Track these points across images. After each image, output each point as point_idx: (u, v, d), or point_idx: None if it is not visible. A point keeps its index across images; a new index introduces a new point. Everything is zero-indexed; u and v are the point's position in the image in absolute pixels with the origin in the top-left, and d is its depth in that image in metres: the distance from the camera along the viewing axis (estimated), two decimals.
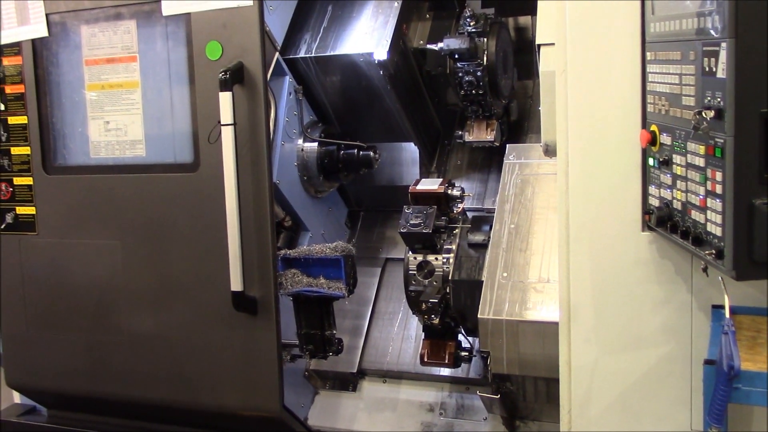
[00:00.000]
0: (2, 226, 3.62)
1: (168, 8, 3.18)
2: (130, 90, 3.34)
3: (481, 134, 3.94)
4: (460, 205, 3.48)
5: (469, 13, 3.75)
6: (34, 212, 3.56)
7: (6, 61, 3.54)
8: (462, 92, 3.79)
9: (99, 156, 3.45)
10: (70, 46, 3.45)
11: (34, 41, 3.48)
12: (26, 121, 3.53)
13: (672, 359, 2.30)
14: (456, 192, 3.43)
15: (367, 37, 3.71)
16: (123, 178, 3.38)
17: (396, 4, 3.76)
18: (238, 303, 3.08)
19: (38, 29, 3.45)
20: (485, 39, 3.71)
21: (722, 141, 1.74)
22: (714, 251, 1.81)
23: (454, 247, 3.37)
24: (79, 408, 3.68)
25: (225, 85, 2.95)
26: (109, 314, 3.44)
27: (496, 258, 3.06)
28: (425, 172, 4.17)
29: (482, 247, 3.29)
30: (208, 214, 3.14)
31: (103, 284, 3.44)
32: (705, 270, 2.12)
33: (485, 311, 2.92)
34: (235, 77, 2.99)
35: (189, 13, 3.14)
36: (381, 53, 3.63)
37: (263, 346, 3.16)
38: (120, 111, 3.38)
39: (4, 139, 3.58)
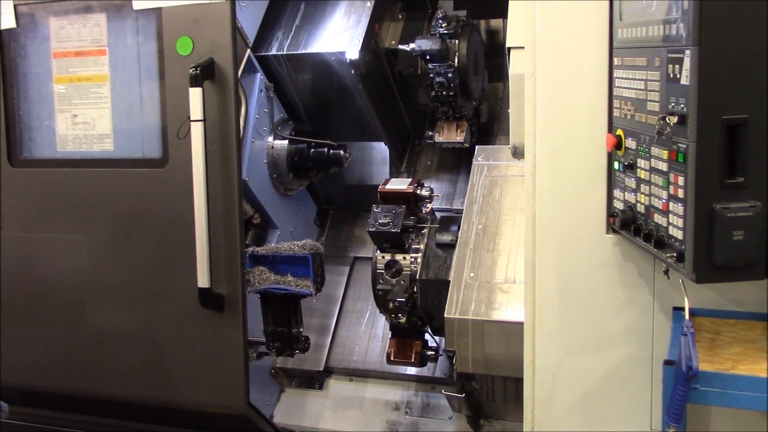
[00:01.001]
0: None
1: (139, 2, 3.16)
2: (98, 84, 3.31)
3: (451, 135, 3.97)
4: (428, 205, 3.50)
5: (441, 15, 3.77)
6: None
7: None
8: (433, 93, 3.81)
9: (66, 149, 3.42)
10: (38, 38, 3.41)
11: (1, 32, 3.43)
12: None
13: (634, 360, 2.34)
14: (425, 192, 3.45)
15: (340, 36, 3.72)
16: (90, 173, 3.35)
17: (368, 4, 3.78)
18: (205, 300, 3.07)
19: (6, 20, 3.40)
20: (457, 41, 3.73)
21: (685, 146, 1.77)
22: (675, 254, 1.84)
23: (422, 246, 3.39)
24: (43, 404, 3.64)
25: (195, 81, 2.94)
26: (75, 309, 3.41)
27: (464, 258, 3.08)
28: (395, 172, 4.18)
29: (450, 247, 3.31)
30: (176, 210, 3.13)
31: (69, 279, 3.41)
32: (666, 272, 2.16)
33: (452, 311, 2.95)
34: (205, 73, 2.98)
35: (160, 8, 3.12)
36: (353, 52, 3.64)
37: (229, 343, 3.15)
38: (88, 105, 3.35)
39: None
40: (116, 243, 3.31)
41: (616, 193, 2.22)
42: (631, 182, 2.10)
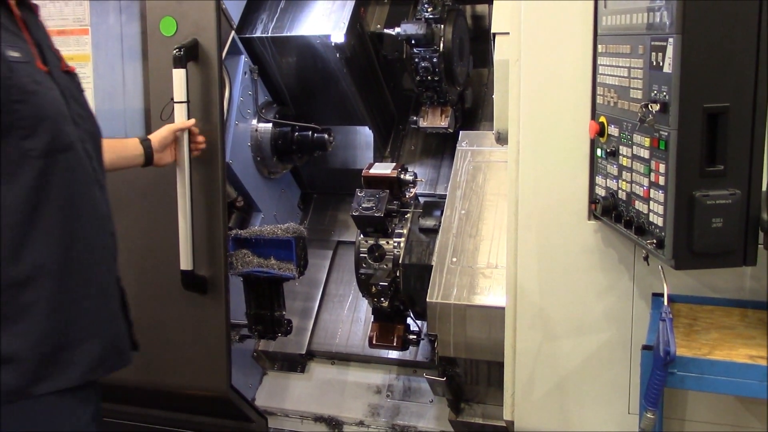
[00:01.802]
0: None
1: None
2: (80, 63, 3.28)
3: (435, 120, 3.97)
4: (412, 190, 3.50)
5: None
6: None
7: None
8: (418, 78, 3.81)
9: None
10: None
11: None
12: None
13: (613, 345, 2.37)
14: (408, 177, 3.45)
15: (324, 20, 3.70)
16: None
17: None
18: (188, 282, 3.06)
19: None
20: (442, 26, 3.73)
21: (666, 134, 1.79)
22: (655, 241, 1.87)
23: (405, 231, 3.39)
24: None
25: (179, 62, 2.92)
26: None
27: (447, 243, 3.09)
28: (379, 157, 4.18)
29: (433, 232, 3.32)
30: (158, 192, 3.11)
31: None
32: (646, 259, 2.18)
33: (434, 295, 2.96)
34: (189, 54, 2.96)
35: None
36: (338, 36, 3.63)
37: (212, 326, 3.15)
38: None
39: None
40: None
41: (599, 179, 2.23)
42: (613, 169, 2.12)
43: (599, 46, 2.18)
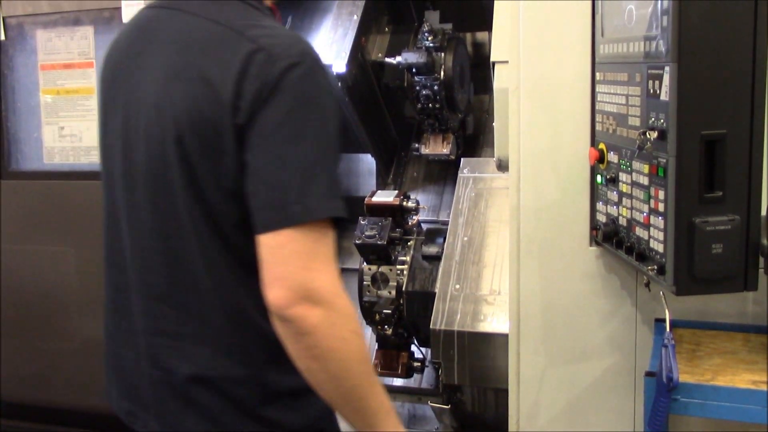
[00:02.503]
0: None
1: (128, 14, 3.18)
2: (86, 96, 3.32)
3: (437, 147, 4.00)
4: (415, 217, 3.52)
5: (427, 28, 3.80)
6: None
7: None
8: (419, 105, 3.84)
9: (53, 162, 3.42)
10: (26, 50, 3.43)
11: None
12: None
13: (616, 371, 2.36)
14: (411, 204, 3.47)
15: (327, 49, 3.74)
16: (77, 185, 3.36)
17: (355, 17, 3.80)
18: None
19: None
20: (443, 54, 3.77)
21: (665, 161, 1.80)
22: (656, 267, 1.87)
23: (408, 258, 3.41)
24: (30, 417, 3.63)
25: None
26: (62, 321, 3.41)
27: (449, 270, 3.10)
28: (381, 184, 4.20)
29: (436, 259, 3.33)
30: None
31: (57, 291, 3.41)
32: (647, 285, 2.19)
33: (437, 322, 2.96)
34: None
35: None
36: (339, 66, 3.67)
37: None
38: (75, 117, 3.36)
39: None
40: (103, 255, 3.30)
41: (599, 206, 2.25)
42: (613, 195, 2.13)
43: (597, 74, 2.21)
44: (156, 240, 1.63)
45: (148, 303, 1.68)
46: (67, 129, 3.34)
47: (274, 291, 1.44)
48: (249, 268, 1.52)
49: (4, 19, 3.37)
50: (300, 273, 1.43)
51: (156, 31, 1.61)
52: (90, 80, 3.27)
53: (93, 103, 3.28)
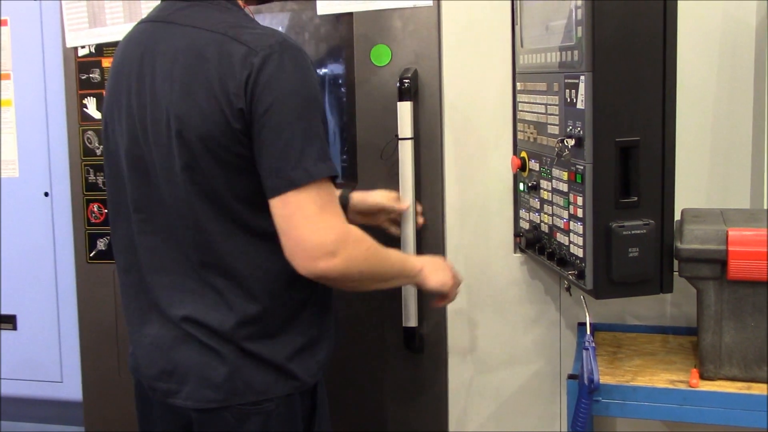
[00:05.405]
0: None
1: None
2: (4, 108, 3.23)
3: None
4: None
5: None
6: None
7: None
8: None
9: None
10: None
11: None
12: None
13: (542, 375, 2.41)
14: None
15: None
16: None
17: None
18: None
19: None
20: None
21: (582, 168, 1.85)
22: (576, 271, 1.91)
23: None
24: None
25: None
26: None
27: None
28: None
29: None
30: None
31: None
32: (568, 289, 2.24)
33: None
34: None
35: None
36: None
37: None
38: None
39: None
40: None
41: (522, 213, 2.29)
42: (535, 203, 2.17)
43: (518, 84, 2.25)
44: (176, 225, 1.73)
45: (167, 279, 1.77)
46: None
47: (297, 260, 1.62)
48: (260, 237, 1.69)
49: None
50: (313, 236, 1.60)
51: (156, 43, 1.74)
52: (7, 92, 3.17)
53: (11, 116, 3.18)
